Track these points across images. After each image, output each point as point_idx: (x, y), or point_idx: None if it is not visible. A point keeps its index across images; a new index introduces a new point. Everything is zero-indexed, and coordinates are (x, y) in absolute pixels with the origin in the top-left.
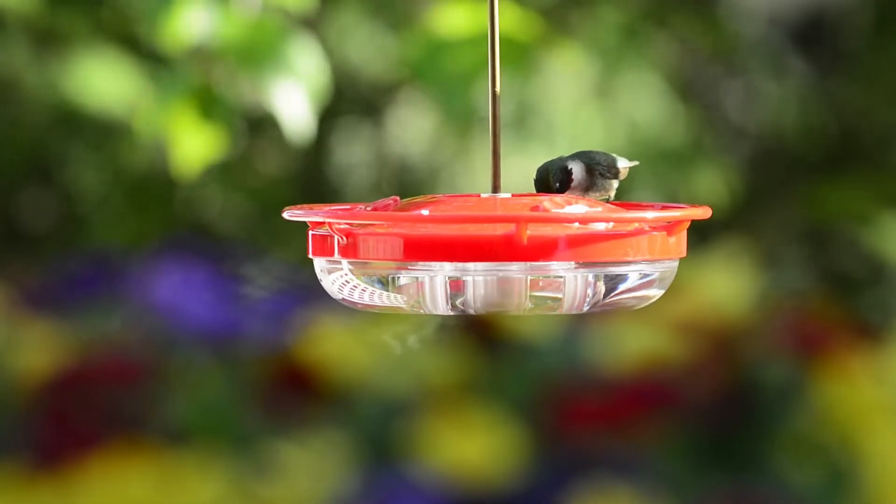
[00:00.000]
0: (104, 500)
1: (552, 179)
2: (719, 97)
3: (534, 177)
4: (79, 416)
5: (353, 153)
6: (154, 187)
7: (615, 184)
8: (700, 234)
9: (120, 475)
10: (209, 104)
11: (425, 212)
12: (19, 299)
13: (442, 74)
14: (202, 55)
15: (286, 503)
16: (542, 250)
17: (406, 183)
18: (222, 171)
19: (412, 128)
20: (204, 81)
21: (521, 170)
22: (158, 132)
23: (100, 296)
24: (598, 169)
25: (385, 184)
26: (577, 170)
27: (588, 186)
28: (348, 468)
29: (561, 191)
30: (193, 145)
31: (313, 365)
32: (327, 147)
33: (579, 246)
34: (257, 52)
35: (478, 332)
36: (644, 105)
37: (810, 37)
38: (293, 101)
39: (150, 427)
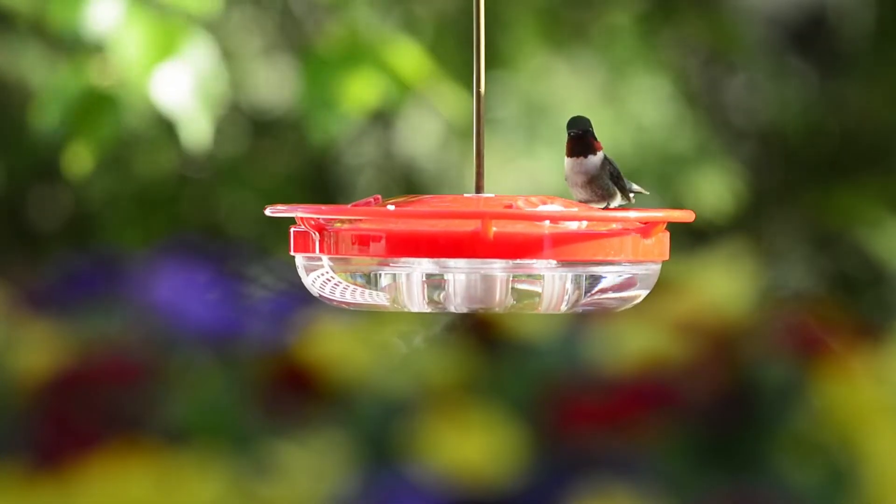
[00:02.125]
0: (104, 500)
1: (590, 126)
2: (722, 99)
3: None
4: (79, 416)
5: (361, 154)
6: (162, 187)
7: (618, 197)
8: (702, 235)
9: (120, 475)
10: (104, 104)
11: (391, 207)
12: (20, 299)
13: (325, 95)
14: (101, 52)
15: (286, 503)
16: (514, 247)
17: (413, 183)
18: (231, 172)
19: (420, 129)
20: (101, 81)
21: (528, 172)
22: (55, 127)
23: (100, 296)
24: (610, 168)
25: (392, 184)
26: (602, 151)
27: (596, 175)
28: (348, 468)
29: (587, 137)
30: (87, 142)
31: (313, 365)
32: (336, 147)
33: (554, 245)
34: (157, 53)
35: (479, 333)
36: (651, 109)
37: (813, 38)
38: (189, 107)
39: (150, 427)
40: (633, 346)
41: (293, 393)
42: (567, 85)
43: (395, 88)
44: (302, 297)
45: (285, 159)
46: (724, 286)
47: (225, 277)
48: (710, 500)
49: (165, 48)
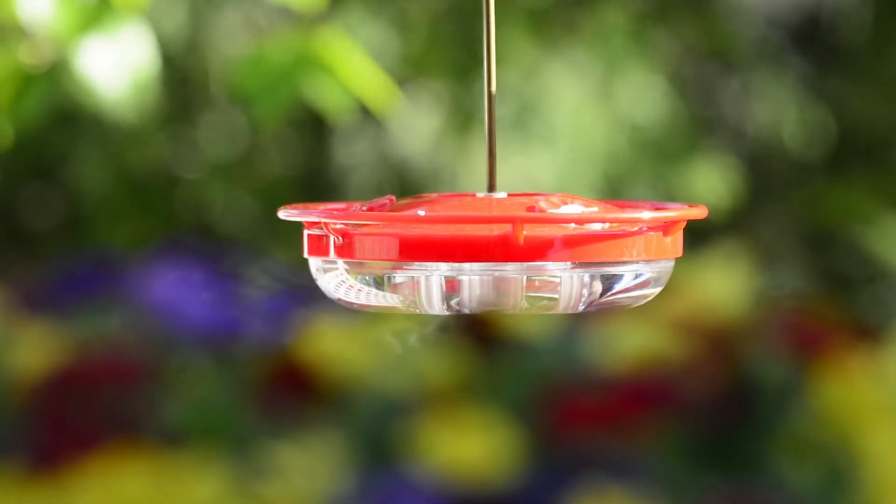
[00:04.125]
0: (102, 501)
1: None
2: (718, 97)
3: None
4: (77, 416)
5: (354, 153)
6: (156, 186)
7: None
8: (699, 234)
9: (118, 475)
10: (30, 82)
11: (421, 212)
12: (18, 299)
13: (259, 82)
14: (30, 31)
15: (284, 503)
16: (539, 250)
17: (407, 183)
18: (224, 171)
19: (413, 128)
20: (29, 59)
21: (522, 170)
22: None
23: (98, 296)
24: None
25: (386, 184)
26: None
27: None
28: (346, 468)
29: None
30: (8, 119)
31: (312, 365)
32: (329, 147)
33: (575, 246)
34: (80, 27)
35: (476, 332)
36: (646, 106)
37: (809, 36)
38: (114, 84)
39: (149, 427)
40: (631, 346)
41: (291, 393)
42: (560, 83)
43: (346, 98)
44: (300, 297)
45: (278, 159)
46: (722, 286)
47: (222, 277)
48: (709, 500)
49: (90, 24)
